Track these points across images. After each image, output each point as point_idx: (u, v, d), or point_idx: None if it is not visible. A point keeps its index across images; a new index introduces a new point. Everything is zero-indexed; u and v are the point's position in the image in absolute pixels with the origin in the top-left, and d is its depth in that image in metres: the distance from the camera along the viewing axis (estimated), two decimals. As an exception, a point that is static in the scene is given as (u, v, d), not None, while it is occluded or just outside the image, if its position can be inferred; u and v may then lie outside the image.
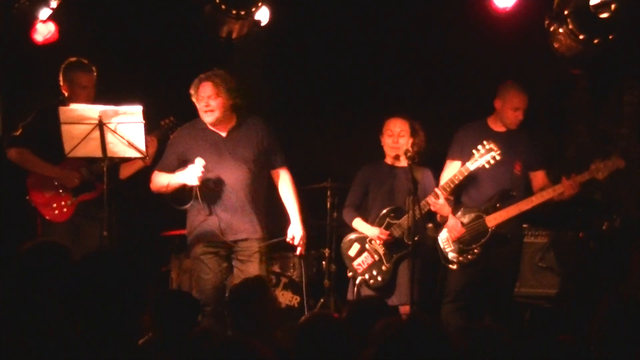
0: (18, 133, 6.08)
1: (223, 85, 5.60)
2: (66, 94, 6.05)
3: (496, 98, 6.13)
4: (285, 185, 5.86)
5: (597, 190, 7.15)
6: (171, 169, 5.72)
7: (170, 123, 6.18)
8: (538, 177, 6.14)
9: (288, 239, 5.81)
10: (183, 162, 5.68)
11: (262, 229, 5.73)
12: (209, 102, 5.59)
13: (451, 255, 6.10)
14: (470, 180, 6.06)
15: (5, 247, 5.96)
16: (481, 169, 5.94)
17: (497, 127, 6.15)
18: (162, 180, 5.73)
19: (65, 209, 6.06)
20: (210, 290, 5.65)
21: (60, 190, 6.06)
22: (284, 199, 5.86)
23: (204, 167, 5.50)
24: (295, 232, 5.78)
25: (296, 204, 5.83)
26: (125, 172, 6.24)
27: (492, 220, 6.01)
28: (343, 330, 3.23)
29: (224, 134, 5.72)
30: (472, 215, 6.07)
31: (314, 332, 3.27)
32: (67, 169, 6.04)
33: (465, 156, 6.03)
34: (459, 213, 6.10)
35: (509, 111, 6.06)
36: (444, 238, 6.12)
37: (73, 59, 6.07)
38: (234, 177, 5.65)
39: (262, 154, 5.74)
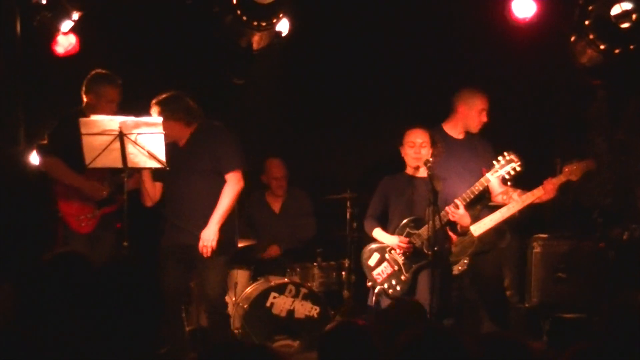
0: (47, 142, 6.11)
1: (165, 111, 5.81)
2: (87, 103, 6.07)
3: (458, 104, 6.24)
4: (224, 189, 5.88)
5: (616, 200, 7.14)
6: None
7: None
8: (494, 184, 6.24)
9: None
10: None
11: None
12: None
13: None
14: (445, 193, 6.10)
15: (24, 256, 5.99)
16: (451, 179, 6.05)
17: (456, 133, 6.31)
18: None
19: (90, 221, 6.08)
20: None
21: (85, 203, 6.08)
22: None
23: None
24: (203, 234, 5.76)
25: (220, 207, 5.77)
26: (132, 183, 6.25)
27: (477, 229, 6.13)
28: (370, 337, 3.22)
29: (180, 145, 5.93)
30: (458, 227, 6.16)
31: (341, 339, 3.26)
32: (93, 180, 6.07)
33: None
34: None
35: (475, 114, 6.24)
36: None
37: (102, 71, 6.11)
38: (186, 185, 5.83)
39: (212, 160, 5.83)
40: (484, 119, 6.26)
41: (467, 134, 6.34)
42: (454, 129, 6.30)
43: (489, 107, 6.28)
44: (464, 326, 6.13)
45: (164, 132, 5.65)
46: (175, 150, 5.84)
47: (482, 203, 6.14)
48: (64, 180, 6.06)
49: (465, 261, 6.16)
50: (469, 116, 6.24)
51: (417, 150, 6.11)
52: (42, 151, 6.16)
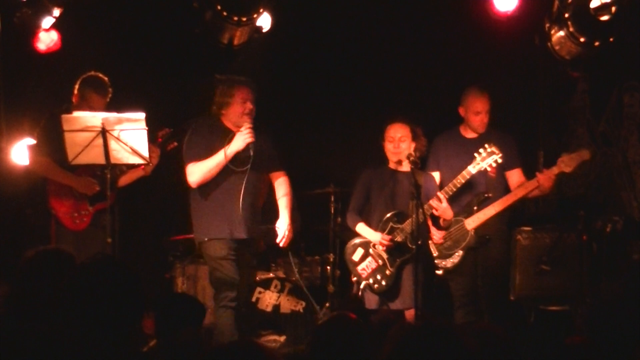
0: (36, 142, 6.09)
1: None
2: (74, 102, 6.08)
3: (459, 106, 6.25)
4: None
5: (599, 192, 7.18)
6: (203, 157, 5.80)
7: (167, 134, 6.21)
8: (514, 176, 6.26)
9: None
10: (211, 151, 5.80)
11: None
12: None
13: (437, 262, 6.20)
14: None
15: (14, 254, 5.98)
16: (456, 177, 6.03)
17: (468, 133, 6.29)
18: (209, 163, 5.78)
19: (84, 218, 6.11)
20: None
21: (78, 199, 6.08)
22: None
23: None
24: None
25: None
26: (124, 180, 6.26)
27: (471, 223, 6.12)
28: (362, 330, 3.23)
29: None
30: (452, 219, 6.15)
31: (334, 332, 3.27)
32: (84, 177, 6.06)
33: (442, 166, 6.25)
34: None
35: (472, 116, 6.21)
36: (430, 245, 6.22)
37: (93, 75, 6.13)
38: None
39: None
40: (484, 119, 6.19)
41: (484, 132, 6.26)
42: (465, 129, 6.31)
43: (488, 107, 6.18)
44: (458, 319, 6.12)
45: (146, 128, 5.66)
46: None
47: (477, 198, 6.13)
48: (56, 180, 6.06)
49: (459, 254, 6.16)
50: (467, 118, 6.23)
51: (396, 144, 6.11)
52: (31, 152, 6.16)
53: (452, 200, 6.09)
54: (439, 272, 6.21)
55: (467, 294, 6.16)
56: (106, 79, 6.14)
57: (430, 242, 6.23)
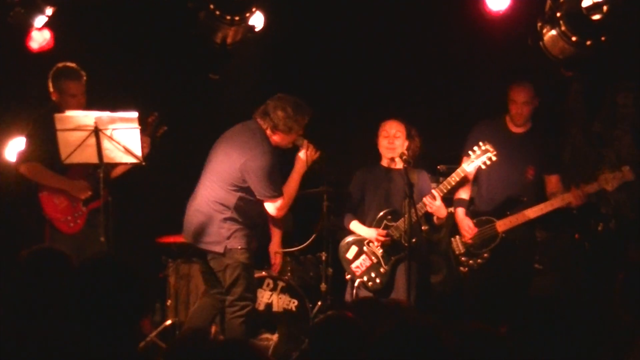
0: (25, 147, 6.08)
1: None
2: (55, 100, 6.05)
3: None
4: None
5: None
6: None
7: (156, 120, 6.18)
8: (552, 182, 6.14)
9: None
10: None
11: None
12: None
13: (463, 259, 6.15)
14: (482, 183, 6.10)
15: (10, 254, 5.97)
16: (494, 172, 6.00)
17: (514, 127, 6.16)
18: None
19: (78, 220, 6.07)
20: None
21: (72, 202, 6.05)
22: None
23: None
24: None
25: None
26: (117, 171, 6.25)
27: (502, 225, 6.05)
28: (360, 329, 3.24)
29: None
30: (483, 219, 6.12)
31: (330, 332, 3.28)
32: (75, 179, 6.04)
33: None
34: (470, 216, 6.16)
35: (510, 105, 6.07)
36: (457, 241, 6.17)
37: (61, 65, 6.07)
38: None
39: None
40: (519, 110, 6.05)
41: (530, 129, 6.16)
42: (510, 122, 6.22)
43: (526, 99, 6.04)
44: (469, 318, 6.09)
45: (139, 127, 5.66)
46: None
47: (511, 200, 6.08)
48: (47, 184, 6.01)
49: (486, 255, 6.11)
50: (509, 108, 6.12)
51: (390, 140, 6.13)
52: (21, 157, 6.11)
53: (486, 199, 6.06)
54: (465, 269, 6.17)
55: (480, 296, 6.12)
56: (74, 65, 6.08)
57: (456, 238, 6.20)
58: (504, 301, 6.04)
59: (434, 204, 5.94)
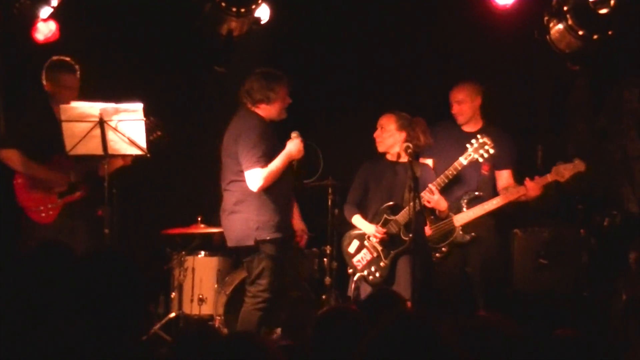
0: (8, 134, 6.07)
1: None
2: (48, 91, 6.01)
3: None
4: None
5: (597, 187, 7.17)
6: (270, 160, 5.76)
7: (151, 124, 6.16)
8: (503, 177, 6.27)
9: None
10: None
11: None
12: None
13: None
14: None
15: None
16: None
17: (465, 127, 6.29)
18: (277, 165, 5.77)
19: (51, 212, 5.97)
20: None
21: (47, 193, 5.98)
22: None
23: None
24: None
25: None
26: (113, 165, 6.21)
27: (460, 219, 6.14)
28: (363, 322, 3.23)
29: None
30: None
31: (334, 324, 3.27)
32: (56, 169, 5.98)
33: (435, 155, 6.22)
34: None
35: (451, 105, 6.26)
36: None
37: (56, 59, 6.04)
38: None
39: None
40: (453, 109, 6.27)
41: (481, 127, 6.27)
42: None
43: (455, 98, 6.25)
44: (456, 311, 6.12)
45: (144, 119, 5.65)
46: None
47: (468, 195, 6.14)
48: (25, 172, 5.95)
49: (444, 249, 6.19)
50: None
51: (378, 132, 6.17)
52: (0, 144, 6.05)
53: (443, 193, 6.11)
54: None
55: (447, 290, 6.19)
56: (70, 59, 6.05)
57: None
58: (468, 293, 6.20)
59: (432, 198, 5.98)
